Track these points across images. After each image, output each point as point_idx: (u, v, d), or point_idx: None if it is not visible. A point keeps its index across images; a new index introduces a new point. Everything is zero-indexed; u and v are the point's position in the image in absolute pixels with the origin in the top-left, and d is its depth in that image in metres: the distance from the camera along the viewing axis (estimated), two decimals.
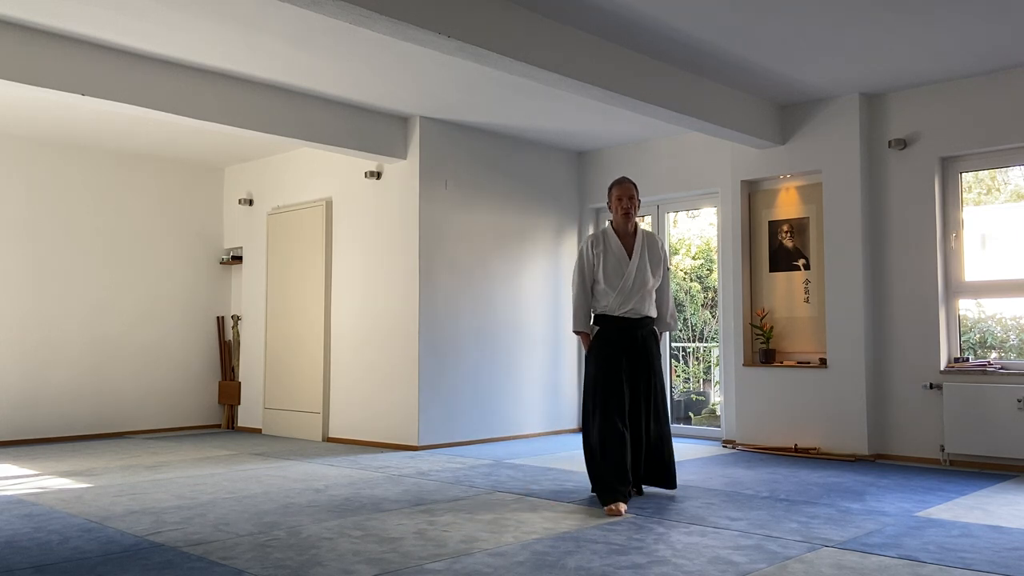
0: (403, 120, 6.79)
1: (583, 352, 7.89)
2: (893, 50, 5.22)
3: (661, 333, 4.72)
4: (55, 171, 7.54)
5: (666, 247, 4.55)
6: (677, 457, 6.17)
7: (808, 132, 6.30)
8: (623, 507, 4.16)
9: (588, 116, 6.69)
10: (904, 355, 5.89)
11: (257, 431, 8.06)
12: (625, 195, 4.62)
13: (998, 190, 6.13)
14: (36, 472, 5.61)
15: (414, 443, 6.54)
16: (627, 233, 4.62)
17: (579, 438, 6.88)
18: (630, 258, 4.52)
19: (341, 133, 6.41)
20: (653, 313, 4.61)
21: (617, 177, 4.83)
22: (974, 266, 5.85)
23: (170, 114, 5.53)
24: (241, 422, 8.34)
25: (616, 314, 4.51)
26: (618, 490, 4.24)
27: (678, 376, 8.82)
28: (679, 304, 9.29)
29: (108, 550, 3.47)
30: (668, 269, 4.68)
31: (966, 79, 5.73)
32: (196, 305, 8.43)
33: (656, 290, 4.65)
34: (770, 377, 6.37)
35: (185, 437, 7.66)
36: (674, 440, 7.47)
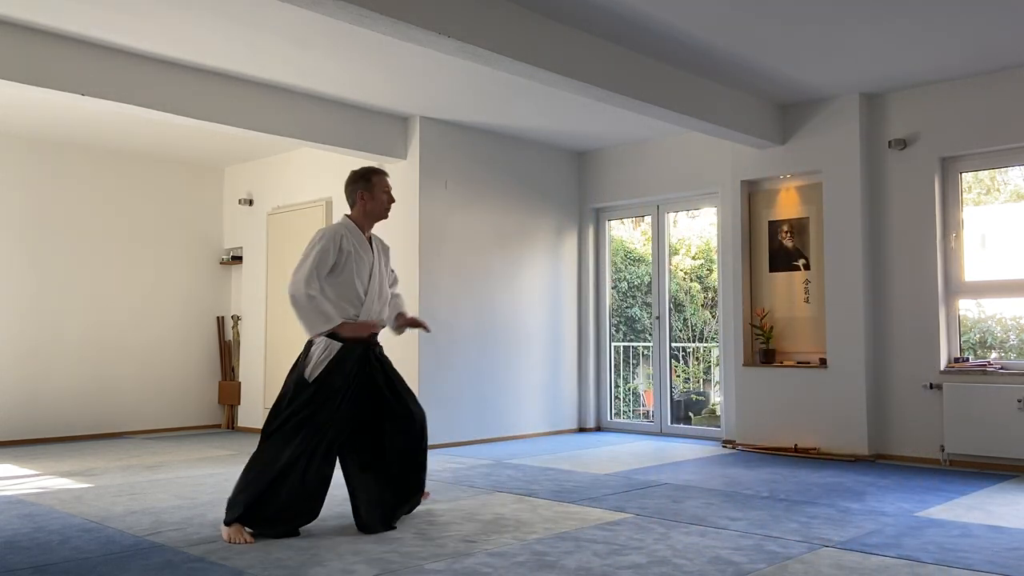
0: (403, 120, 6.79)
1: (583, 352, 7.95)
2: (893, 50, 5.22)
3: None
4: (55, 171, 7.54)
5: None
6: (676, 457, 6.20)
7: (808, 132, 6.30)
8: None
9: (588, 116, 6.69)
10: (904, 355, 5.89)
11: (257, 431, 8.03)
12: None
13: (998, 190, 6.13)
14: (36, 472, 5.61)
15: None
16: None
17: (579, 438, 6.76)
18: None
19: (341, 133, 6.41)
20: None
21: None
22: (974, 266, 5.85)
23: (170, 114, 5.53)
24: (241, 422, 8.33)
25: None
26: None
27: (678, 376, 8.81)
28: (678, 304, 9.27)
29: (108, 550, 3.47)
30: None
31: (966, 79, 5.73)
32: (196, 305, 8.43)
33: None
34: (770, 377, 6.37)
35: (185, 437, 7.66)
36: (675, 440, 7.26)
